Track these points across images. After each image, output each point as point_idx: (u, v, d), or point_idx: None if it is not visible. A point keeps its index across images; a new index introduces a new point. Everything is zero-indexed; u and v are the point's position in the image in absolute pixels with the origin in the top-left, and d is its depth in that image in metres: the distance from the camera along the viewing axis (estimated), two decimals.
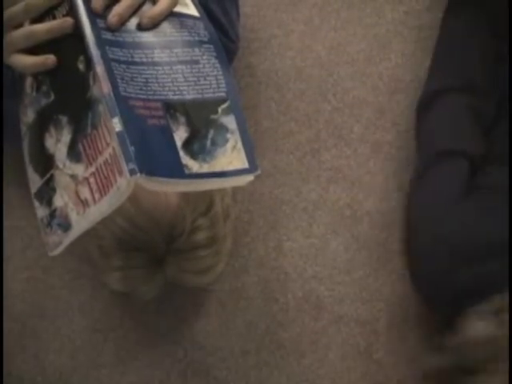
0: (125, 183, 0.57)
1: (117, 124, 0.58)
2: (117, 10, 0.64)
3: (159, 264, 0.88)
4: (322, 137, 1.15)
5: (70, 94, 0.64)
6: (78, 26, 0.63)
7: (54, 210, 0.66)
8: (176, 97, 0.64)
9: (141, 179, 0.57)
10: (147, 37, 0.66)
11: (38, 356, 1.05)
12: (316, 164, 1.13)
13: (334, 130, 1.15)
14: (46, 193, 0.67)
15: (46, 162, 0.67)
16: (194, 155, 0.62)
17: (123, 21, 0.65)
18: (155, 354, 1.06)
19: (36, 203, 0.69)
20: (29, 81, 0.69)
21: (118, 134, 0.57)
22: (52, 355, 1.06)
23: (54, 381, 1.05)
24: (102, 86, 0.59)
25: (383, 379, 1.06)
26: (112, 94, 0.59)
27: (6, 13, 0.66)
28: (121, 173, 0.57)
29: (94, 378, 1.05)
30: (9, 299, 1.06)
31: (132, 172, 0.56)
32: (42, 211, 0.68)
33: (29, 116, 0.70)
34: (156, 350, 1.06)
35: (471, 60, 1.04)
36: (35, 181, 0.69)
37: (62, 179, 0.65)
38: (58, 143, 0.65)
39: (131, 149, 0.57)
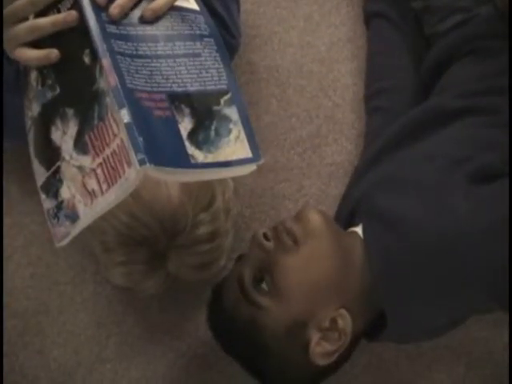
0: (134, 173, 0.58)
1: (125, 115, 0.58)
2: (118, 1, 0.65)
3: (161, 259, 0.89)
4: (322, 132, 1.15)
5: (75, 87, 0.65)
6: (82, 20, 0.64)
7: (61, 202, 0.67)
8: (180, 89, 0.64)
9: (149, 169, 0.57)
10: (150, 30, 0.67)
11: (42, 352, 1.06)
12: (317, 159, 1.14)
13: (334, 125, 1.16)
14: (53, 185, 0.67)
15: (52, 155, 0.67)
16: (199, 146, 0.63)
17: (124, 12, 0.65)
18: (158, 349, 1.06)
19: (42, 195, 0.69)
20: (33, 74, 0.70)
21: (127, 125, 0.58)
22: (56, 351, 1.06)
23: (57, 376, 1.05)
24: (108, 79, 0.60)
25: (385, 373, 1.06)
26: (119, 86, 0.60)
27: (11, 6, 0.67)
28: (129, 163, 0.58)
29: (98, 373, 1.05)
30: (12, 295, 1.07)
31: (141, 162, 0.57)
32: (48, 203, 0.69)
33: (34, 109, 0.70)
34: (159, 344, 1.06)
35: None
36: (41, 173, 0.69)
37: (68, 171, 0.65)
38: (64, 136, 0.65)
39: (140, 139, 0.58)
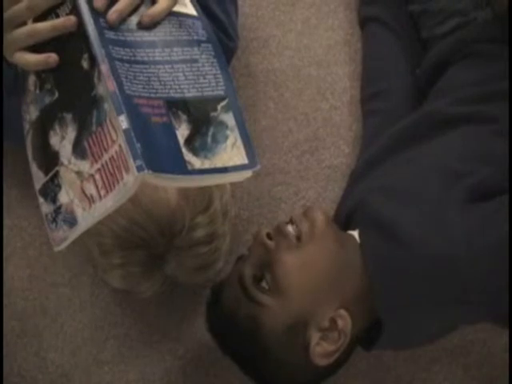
0: (132, 179, 0.58)
1: (123, 121, 0.59)
2: (116, 7, 0.65)
3: (159, 261, 0.89)
4: (320, 135, 1.16)
5: (74, 92, 0.65)
6: (81, 25, 0.64)
7: (60, 207, 0.67)
8: (177, 95, 0.65)
9: (147, 176, 0.58)
10: (148, 36, 0.67)
11: (40, 354, 1.06)
12: (314, 162, 1.14)
13: (332, 128, 1.16)
14: (51, 189, 0.68)
15: (50, 159, 0.67)
16: (195, 152, 0.63)
17: (122, 18, 0.65)
18: (156, 352, 1.06)
19: (40, 199, 0.70)
20: (32, 79, 0.70)
21: (125, 132, 0.58)
22: (53, 353, 1.06)
23: (55, 378, 1.05)
24: (107, 85, 0.60)
25: (383, 374, 1.06)
26: (118, 92, 0.60)
27: (10, 11, 0.67)
28: (127, 169, 0.58)
29: (96, 376, 1.05)
30: (10, 297, 1.07)
31: (139, 168, 0.57)
32: (46, 207, 0.69)
33: (32, 113, 0.70)
34: (157, 347, 1.06)
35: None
36: (39, 177, 0.69)
37: (67, 176, 0.65)
38: (62, 140, 0.66)
39: (138, 146, 0.58)
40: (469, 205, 0.87)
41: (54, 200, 0.68)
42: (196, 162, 0.62)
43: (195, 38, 0.69)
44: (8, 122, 0.90)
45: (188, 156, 0.62)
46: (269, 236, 0.89)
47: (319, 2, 1.22)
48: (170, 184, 0.62)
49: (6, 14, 0.67)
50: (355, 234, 0.93)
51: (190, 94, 0.65)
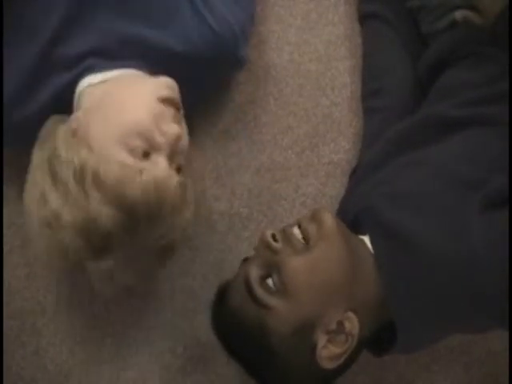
0: None
1: None
2: None
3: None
4: (320, 131, 1.15)
5: None
6: None
7: None
8: None
9: None
10: None
11: (38, 352, 1.06)
12: (315, 158, 1.14)
13: (332, 124, 1.15)
14: None
15: None
16: None
17: None
18: (155, 350, 1.06)
19: None
20: None
21: None
22: (52, 351, 1.06)
23: (53, 377, 1.05)
24: None
25: (384, 373, 1.06)
26: None
27: None
28: None
29: (94, 374, 1.05)
30: (9, 296, 1.07)
31: None
32: None
33: None
34: (155, 345, 1.06)
35: None
36: None
37: None
38: None
39: None
40: (485, 214, 0.85)
41: None
42: None
43: None
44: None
45: None
46: (274, 237, 0.88)
47: None
48: None
49: None
50: (365, 238, 0.92)
51: None
